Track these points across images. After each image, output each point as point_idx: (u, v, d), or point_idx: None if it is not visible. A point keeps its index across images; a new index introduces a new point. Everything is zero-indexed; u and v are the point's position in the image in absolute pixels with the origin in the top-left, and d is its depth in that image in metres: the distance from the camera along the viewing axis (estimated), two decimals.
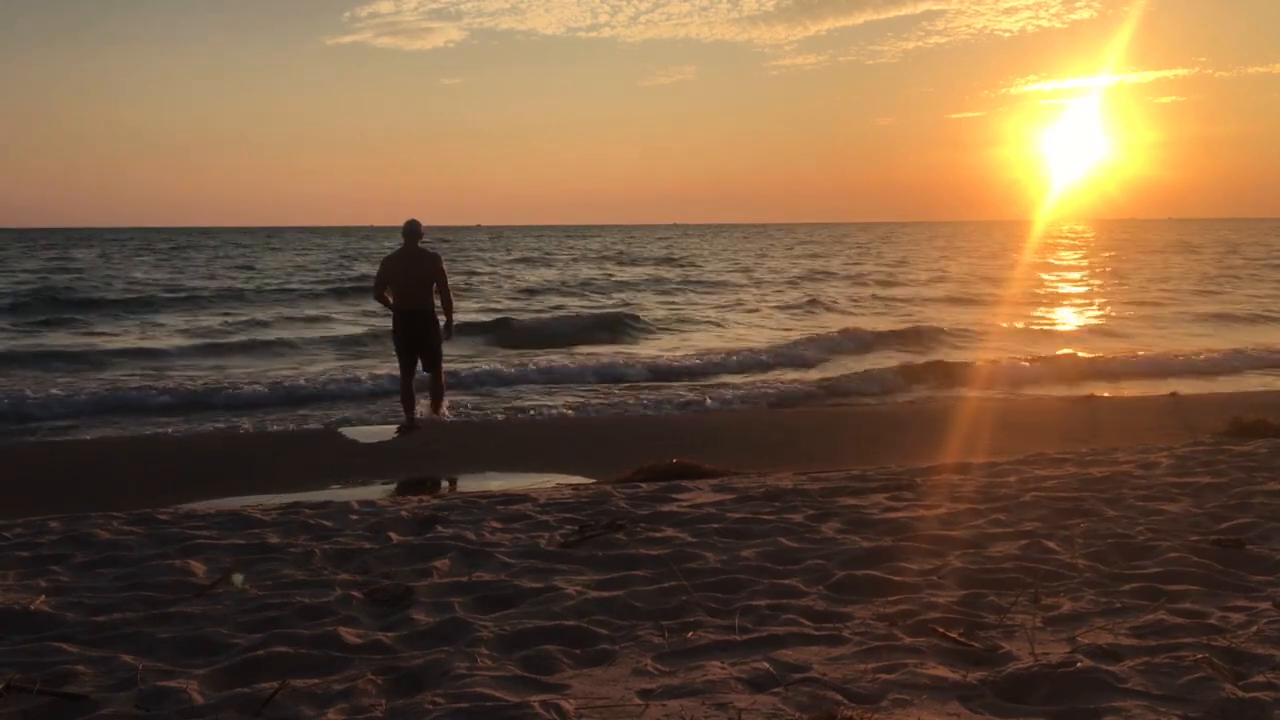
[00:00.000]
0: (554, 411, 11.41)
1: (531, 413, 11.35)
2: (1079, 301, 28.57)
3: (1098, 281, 36.26)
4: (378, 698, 2.92)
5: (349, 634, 3.43)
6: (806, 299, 28.33)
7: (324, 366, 15.71)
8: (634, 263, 48.62)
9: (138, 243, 77.69)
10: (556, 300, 29.15)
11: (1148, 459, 6.55)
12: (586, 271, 41.19)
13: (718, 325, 22.86)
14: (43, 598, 3.89)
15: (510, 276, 38.70)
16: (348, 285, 32.14)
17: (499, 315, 23.47)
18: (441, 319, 9.94)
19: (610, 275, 38.64)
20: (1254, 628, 3.29)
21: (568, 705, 2.78)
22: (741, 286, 33.72)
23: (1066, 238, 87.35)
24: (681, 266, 45.19)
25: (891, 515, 5.08)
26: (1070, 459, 6.72)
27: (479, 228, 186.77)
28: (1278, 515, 4.84)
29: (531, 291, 31.73)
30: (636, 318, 22.90)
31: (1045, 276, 38.81)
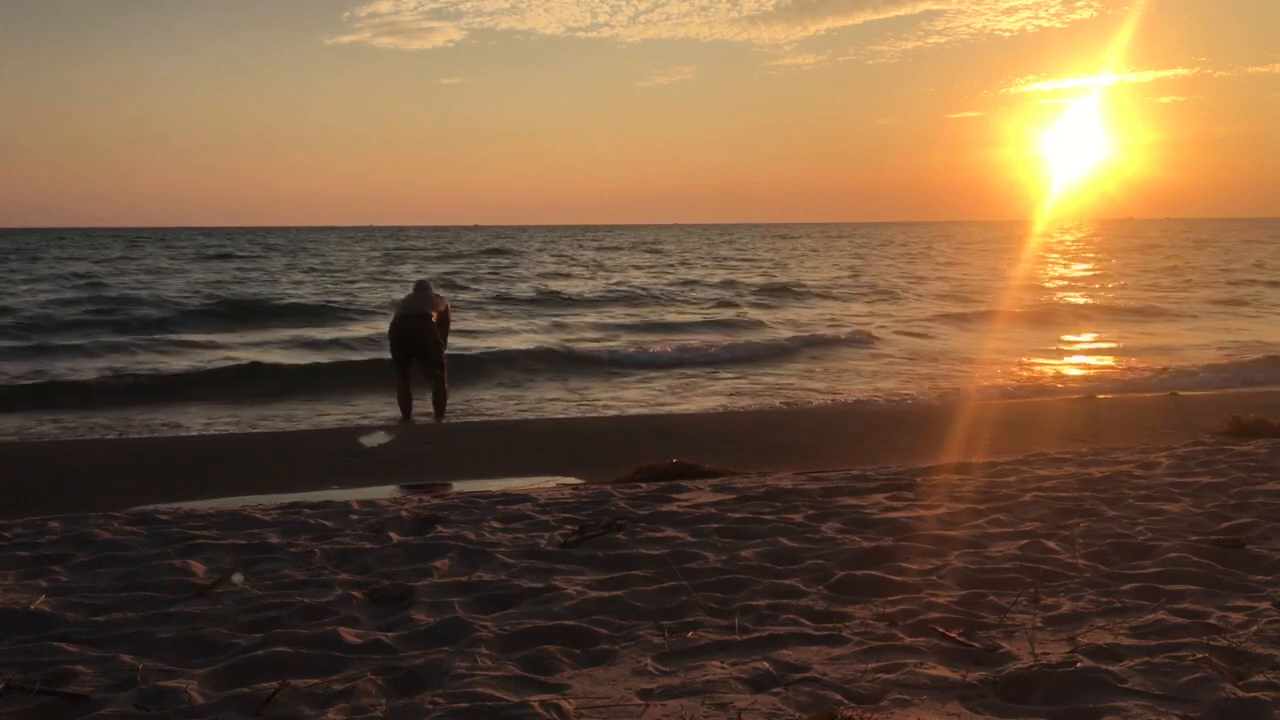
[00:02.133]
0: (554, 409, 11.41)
1: (532, 412, 11.35)
2: None
3: None
4: (378, 698, 2.92)
5: (349, 634, 3.43)
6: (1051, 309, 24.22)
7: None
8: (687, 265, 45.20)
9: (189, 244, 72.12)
10: (696, 313, 24.70)
11: (1148, 459, 6.56)
12: (649, 278, 36.95)
13: (923, 336, 19.97)
14: (43, 598, 3.89)
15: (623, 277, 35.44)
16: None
17: (741, 340, 18.81)
18: (434, 314, 10.35)
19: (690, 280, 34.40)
20: (1254, 628, 3.29)
21: (568, 705, 2.79)
22: (865, 295, 29.39)
23: (1069, 239, 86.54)
24: (761, 269, 41.39)
25: (891, 515, 5.08)
26: (1070, 459, 6.72)
27: (476, 228, 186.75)
28: (1278, 515, 4.84)
29: (639, 302, 27.60)
30: (872, 335, 19.43)
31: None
